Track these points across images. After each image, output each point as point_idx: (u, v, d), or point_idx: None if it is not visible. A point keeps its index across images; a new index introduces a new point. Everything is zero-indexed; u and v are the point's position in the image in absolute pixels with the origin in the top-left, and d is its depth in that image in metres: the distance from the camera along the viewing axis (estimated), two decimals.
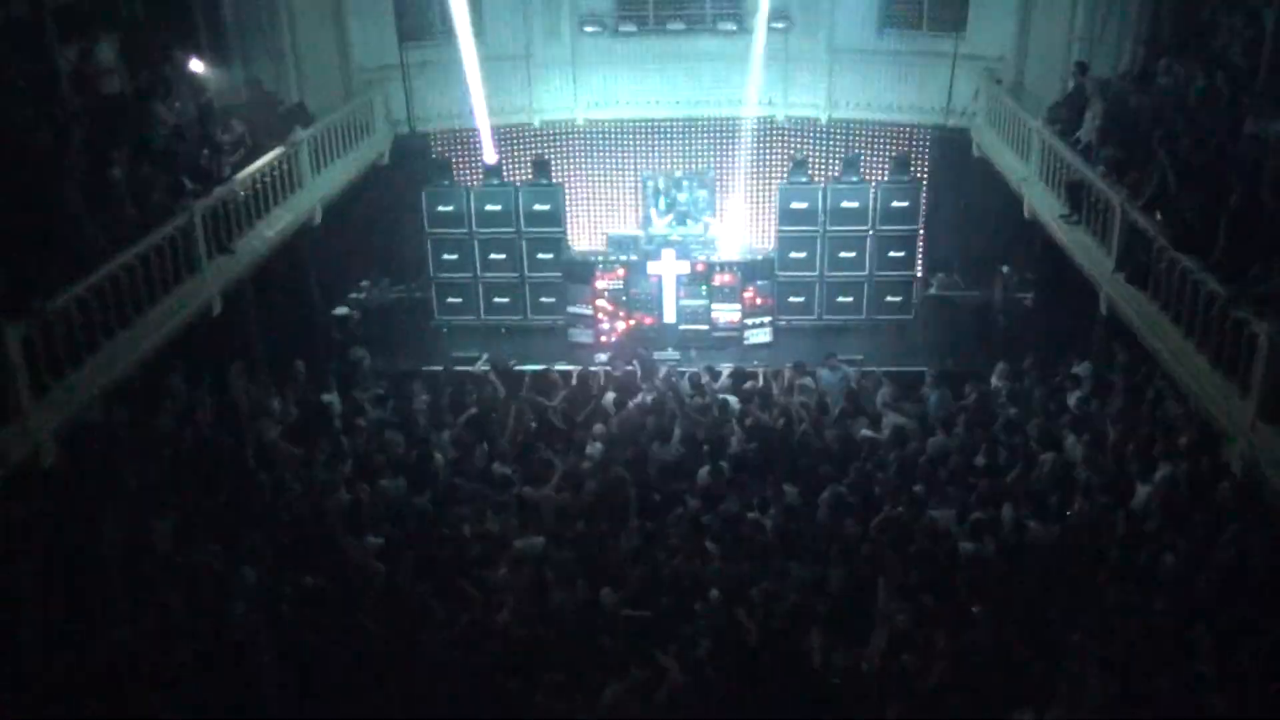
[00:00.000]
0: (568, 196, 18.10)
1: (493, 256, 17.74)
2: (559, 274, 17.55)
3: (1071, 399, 13.24)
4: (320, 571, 9.91)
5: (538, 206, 17.59)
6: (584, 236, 19.55)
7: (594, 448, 12.27)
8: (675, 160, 19.42)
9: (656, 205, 18.17)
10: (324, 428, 12.94)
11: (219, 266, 12.96)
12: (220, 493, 11.27)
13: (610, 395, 13.75)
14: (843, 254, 17.45)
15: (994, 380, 14.11)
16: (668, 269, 16.96)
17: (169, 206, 12.16)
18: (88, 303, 10.30)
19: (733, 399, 13.49)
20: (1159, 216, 11.58)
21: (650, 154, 19.52)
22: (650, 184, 18.63)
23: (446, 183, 17.87)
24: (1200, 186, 11.20)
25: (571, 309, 17.34)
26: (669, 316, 17.16)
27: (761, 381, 14.26)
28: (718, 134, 19.41)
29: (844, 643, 8.94)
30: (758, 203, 19.53)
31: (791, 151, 18.67)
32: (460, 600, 9.54)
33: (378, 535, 10.55)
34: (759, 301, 17.13)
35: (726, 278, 16.99)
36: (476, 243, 17.71)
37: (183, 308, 12.14)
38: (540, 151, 18.54)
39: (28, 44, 12.68)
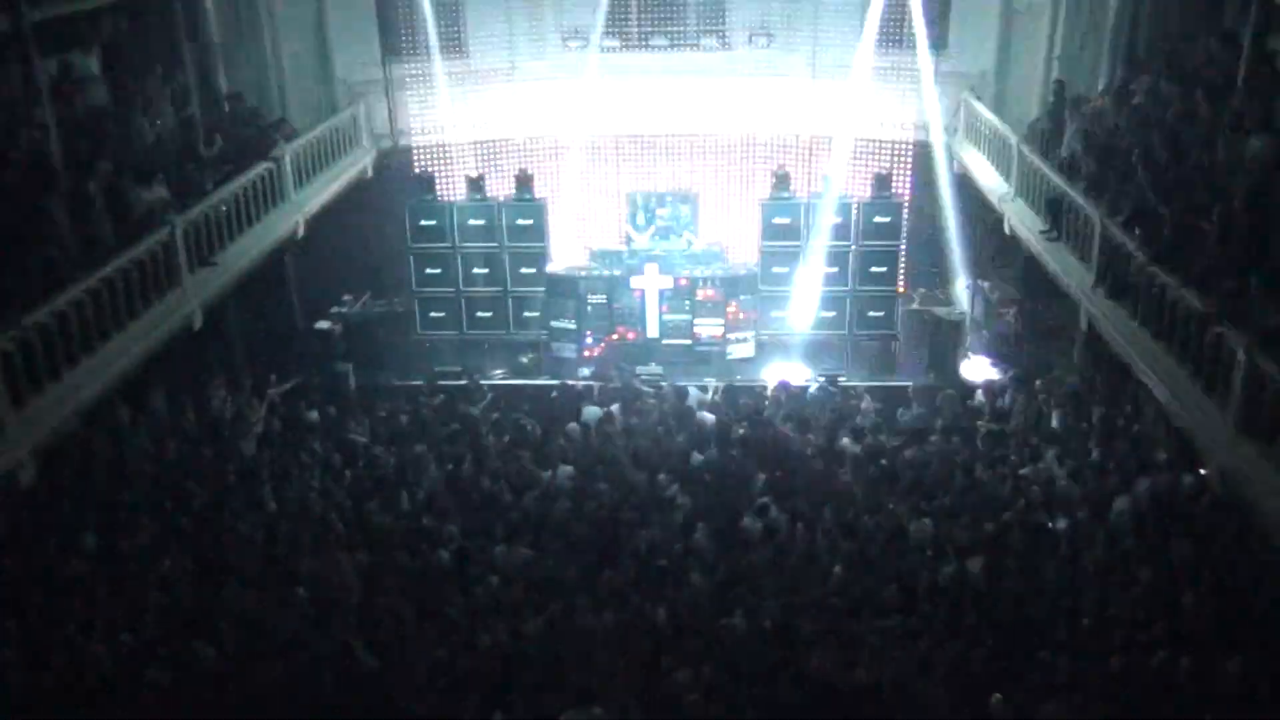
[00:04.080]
0: (550, 211, 18.10)
1: (475, 271, 17.74)
2: (542, 288, 17.54)
3: (1053, 415, 13.32)
4: (301, 588, 9.85)
5: (520, 221, 17.60)
6: (567, 251, 19.52)
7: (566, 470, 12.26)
8: (658, 175, 19.46)
9: (636, 221, 18.20)
10: (305, 442, 12.87)
11: (200, 280, 12.90)
12: (200, 508, 11.18)
13: (592, 409, 13.76)
14: (825, 269, 17.51)
15: (978, 395, 14.20)
16: (650, 284, 16.99)
17: (149, 219, 12.10)
18: (67, 316, 10.23)
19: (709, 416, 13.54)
20: (1138, 232, 11.69)
21: (633, 169, 19.54)
22: (632, 199, 18.65)
23: (429, 197, 17.86)
24: (1178, 203, 11.31)
25: (554, 323, 17.33)
26: (652, 331, 17.17)
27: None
28: (700, 149, 19.46)
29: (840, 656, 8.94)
30: (740, 218, 19.56)
31: (774, 167, 18.73)
32: (442, 618, 9.48)
33: (359, 552, 10.49)
34: (742, 316, 17.16)
35: (709, 292, 17.02)
36: (459, 257, 17.70)
37: (164, 321, 12.06)
38: (523, 166, 18.53)
39: (7, 56, 12.62)
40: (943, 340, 16.73)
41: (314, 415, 13.69)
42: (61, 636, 8.91)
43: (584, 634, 9.20)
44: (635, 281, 17.03)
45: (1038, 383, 14.12)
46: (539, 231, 17.67)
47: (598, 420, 13.34)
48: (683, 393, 14.16)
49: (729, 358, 17.05)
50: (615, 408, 13.58)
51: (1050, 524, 10.85)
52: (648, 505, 11.40)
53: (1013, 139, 15.59)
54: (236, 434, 12.93)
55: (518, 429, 13.21)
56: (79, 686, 8.45)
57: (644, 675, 8.74)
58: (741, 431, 12.90)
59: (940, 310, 17.23)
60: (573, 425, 13.26)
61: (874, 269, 17.49)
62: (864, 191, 17.93)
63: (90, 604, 9.41)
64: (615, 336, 17.00)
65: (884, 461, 12.25)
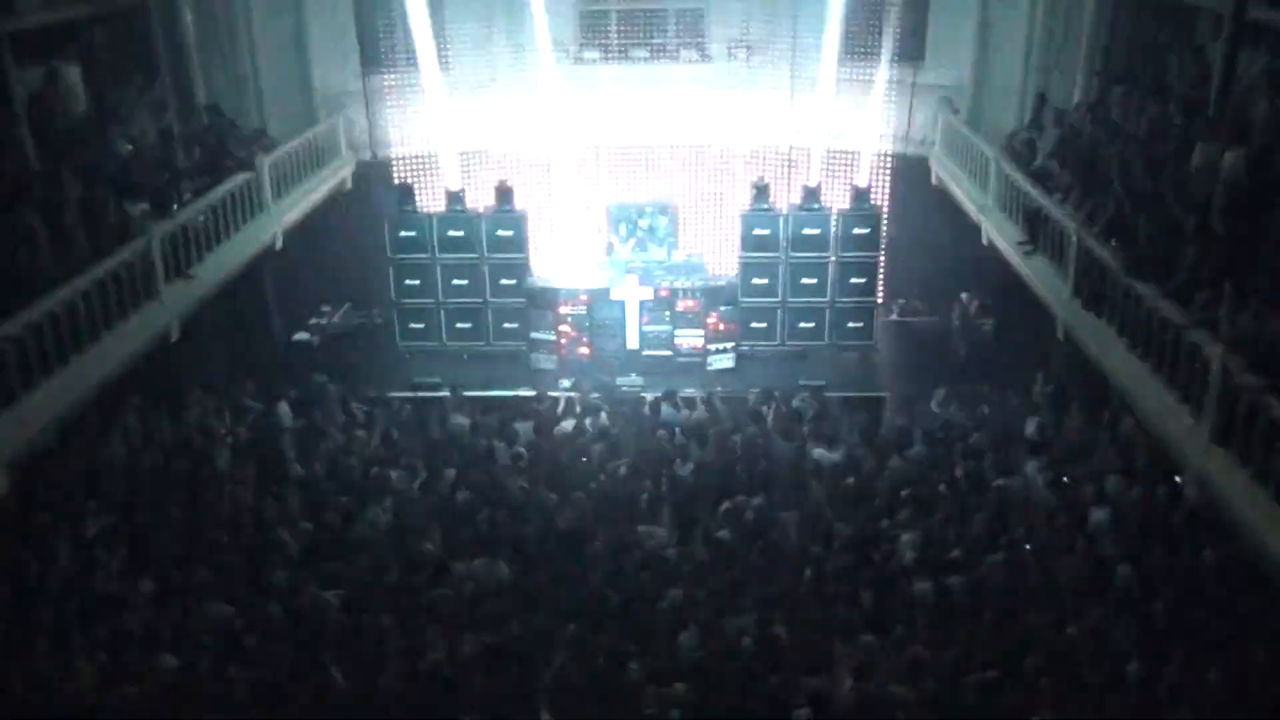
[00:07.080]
0: (530, 223, 18.09)
1: (455, 282, 17.69)
2: (522, 300, 17.53)
3: (1030, 425, 13.38)
4: (276, 604, 9.77)
5: (501, 232, 17.58)
6: (547, 262, 19.54)
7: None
8: (638, 187, 19.49)
9: (617, 232, 18.22)
10: (280, 455, 12.79)
11: (178, 292, 12.80)
12: (174, 523, 11.08)
13: (569, 423, 13.75)
14: (804, 280, 17.57)
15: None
16: (631, 295, 17.00)
17: (125, 230, 12.01)
18: (41, 328, 10.12)
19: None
20: (1114, 244, 11.78)
21: (613, 181, 19.57)
22: (612, 210, 18.68)
23: (409, 208, 17.80)
24: (1154, 214, 11.41)
25: (534, 335, 17.31)
26: (632, 342, 17.18)
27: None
28: (680, 161, 19.52)
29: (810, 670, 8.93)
30: (720, 229, 19.63)
31: (753, 178, 18.80)
32: (419, 632, 9.43)
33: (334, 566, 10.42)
34: (722, 327, 17.19)
35: (689, 303, 17.05)
36: (439, 268, 17.65)
37: (140, 333, 11.96)
38: (503, 178, 18.52)
39: None
40: (921, 351, 16.81)
41: (290, 422, 13.62)
42: (34, 653, 8.80)
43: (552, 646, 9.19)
44: (615, 293, 17.04)
45: (1013, 393, 14.21)
46: (519, 243, 17.64)
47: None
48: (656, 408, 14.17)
49: (709, 369, 17.07)
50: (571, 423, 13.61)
51: (1028, 534, 10.89)
52: (621, 515, 11.41)
53: (990, 151, 15.70)
54: (211, 446, 12.83)
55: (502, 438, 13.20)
56: (52, 704, 8.35)
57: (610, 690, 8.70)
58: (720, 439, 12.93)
59: (918, 321, 17.32)
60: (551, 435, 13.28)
61: (853, 280, 17.54)
62: (843, 202, 18.01)
63: (63, 619, 9.30)
64: (583, 351, 17.02)
65: (861, 472, 12.27)
